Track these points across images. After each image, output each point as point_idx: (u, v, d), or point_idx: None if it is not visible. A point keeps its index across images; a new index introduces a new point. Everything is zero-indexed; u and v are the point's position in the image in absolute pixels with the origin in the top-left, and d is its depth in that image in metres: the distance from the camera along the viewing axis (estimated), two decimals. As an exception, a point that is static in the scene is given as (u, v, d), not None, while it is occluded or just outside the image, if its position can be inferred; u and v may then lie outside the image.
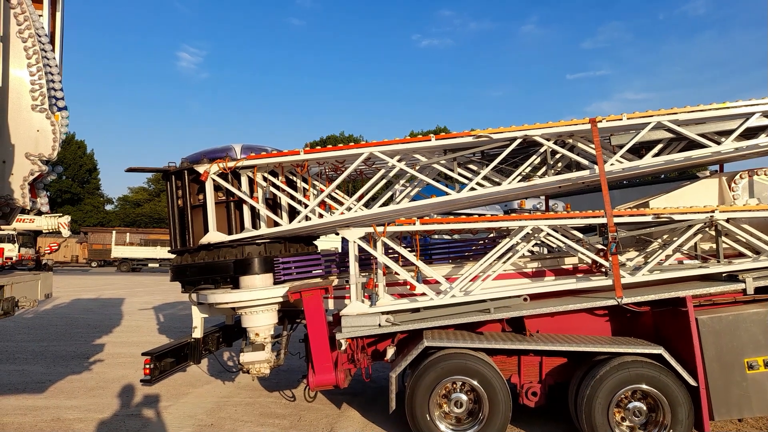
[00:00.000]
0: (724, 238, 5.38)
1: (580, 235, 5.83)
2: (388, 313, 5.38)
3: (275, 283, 5.75)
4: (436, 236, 10.90)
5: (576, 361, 5.43)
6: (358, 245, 5.50)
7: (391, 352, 5.59)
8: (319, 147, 5.97)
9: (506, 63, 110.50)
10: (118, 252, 43.44)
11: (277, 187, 5.96)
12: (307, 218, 5.81)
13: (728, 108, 5.29)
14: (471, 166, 6.33)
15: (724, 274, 5.26)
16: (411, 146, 5.69)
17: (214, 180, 5.84)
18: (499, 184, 5.84)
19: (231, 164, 5.77)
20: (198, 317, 6.23)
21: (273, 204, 6.15)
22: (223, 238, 5.80)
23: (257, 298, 5.62)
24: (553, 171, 5.98)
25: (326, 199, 6.24)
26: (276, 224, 5.92)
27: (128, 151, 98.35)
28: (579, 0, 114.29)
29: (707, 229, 5.35)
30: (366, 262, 6.27)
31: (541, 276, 6.07)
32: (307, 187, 6.29)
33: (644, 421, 5.04)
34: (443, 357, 5.23)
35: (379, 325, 5.31)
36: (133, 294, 21.24)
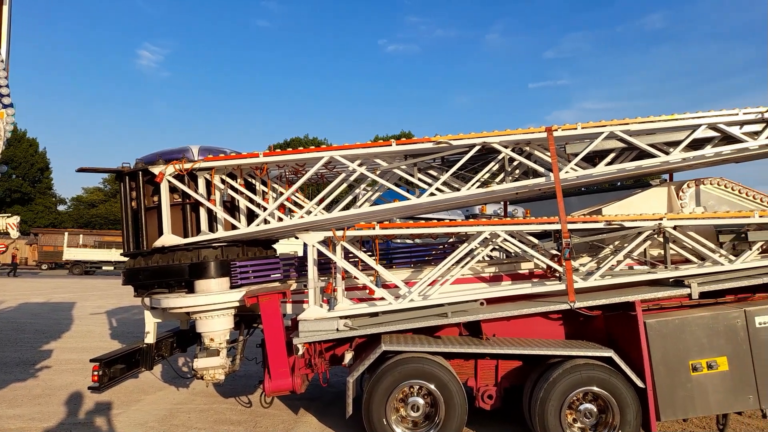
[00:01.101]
0: (671, 245, 5.58)
1: (536, 241, 5.95)
2: (346, 317, 5.36)
3: (232, 287, 5.65)
4: (398, 240, 10.95)
5: (530, 364, 5.53)
6: (318, 249, 5.47)
7: (349, 356, 5.57)
8: (281, 149, 5.92)
9: (471, 70, 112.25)
10: (70, 254, 41.82)
11: (236, 190, 5.86)
12: (266, 221, 5.74)
13: (676, 120, 5.51)
14: (431, 172, 6.39)
15: (671, 280, 5.46)
16: (372, 151, 5.69)
17: (169, 182, 5.71)
18: (458, 189, 5.91)
19: (187, 166, 5.66)
20: (151, 322, 6.07)
21: (231, 207, 6.06)
22: (178, 240, 5.67)
23: (212, 303, 5.51)
24: (510, 178, 6.08)
25: (286, 203, 6.17)
26: (234, 227, 5.82)
27: (85, 151, 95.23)
28: (542, 11, 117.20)
29: (656, 235, 5.54)
30: (326, 266, 6.23)
31: (498, 280, 6.16)
32: (266, 190, 6.21)
33: (595, 422, 5.18)
34: (401, 361, 5.25)
35: (337, 329, 5.28)
36: (85, 298, 20.50)
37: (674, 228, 5.41)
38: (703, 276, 5.37)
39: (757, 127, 5.57)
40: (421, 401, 5.25)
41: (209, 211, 5.80)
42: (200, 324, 5.69)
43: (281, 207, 6.05)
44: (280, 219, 5.83)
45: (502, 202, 8.77)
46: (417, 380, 5.22)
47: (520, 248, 5.59)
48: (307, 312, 5.33)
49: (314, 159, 5.71)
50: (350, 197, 6.17)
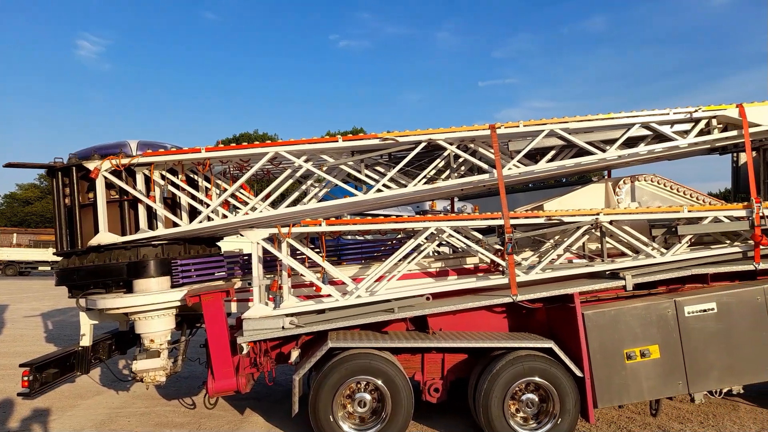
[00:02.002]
0: (608, 239, 5.81)
1: (480, 236, 6.06)
2: (292, 315, 5.29)
3: (173, 286, 5.49)
4: (348, 237, 10.93)
5: (475, 356, 5.64)
6: (264, 247, 5.38)
7: (295, 354, 5.51)
8: (229, 145, 5.77)
9: (422, 67, 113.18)
10: (2, 254, 39.55)
11: (177, 186, 5.69)
12: (209, 218, 5.60)
13: (612, 119, 5.72)
14: (379, 168, 6.39)
15: (607, 272, 5.69)
16: (318, 147, 5.65)
17: (106, 177, 5.48)
18: (405, 186, 5.95)
19: (125, 161, 5.44)
20: (87, 324, 5.81)
21: (172, 203, 5.87)
22: (116, 239, 5.45)
23: (152, 303, 5.33)
24: (456, 174, 6.17)
25: (230, 199, 6.04)
26: (175, 225, 5.65)
27: (20, 146, 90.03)
28: (491, 11, 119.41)
29: (593, 230, 5.75)
30: (272, 263, 6.14)
31: (444, 275, 6.25)
32: (209, 186, 6.06)
33: (536, 411, 5.34)
34: (348, 357, 5.24)
35: (283, 327, 5.21)
36: (18, 300, 19.43)
37: (610, 223, 5.63)
38: (636, 268, 5.61)
39: (687, 126, 5.86)
40: (368, 397, 5.26)
41: (149, 208, 5.61)
42: (139, 325, 5.49)
43: (225, 203, 5.92)
44: (225, 216, 5.70)
45: (450, 198, 8.88)
46: (364, 376, 5.23)
47: (465, 244, 5.69)
48: (251, 310, 5.24)
49: (259, 154, 5.61)
50: (296, 193, 6.09)
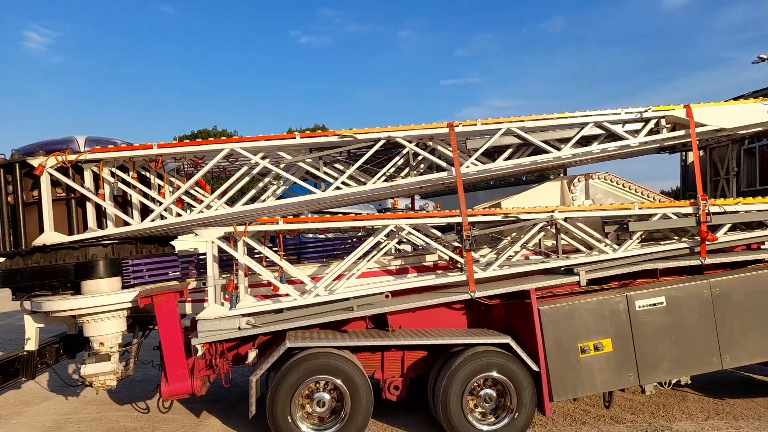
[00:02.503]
0: (562, 236, 5.92)
1: (439, 234, 6.09)
2: (249, 315, 5.20)
3: (124, 287, 5.30)
4: (310, 235, 10.83)
5: (435, 353, 5.67)
6: (220, 246, 5.26)
7: (252, 355, 5.42)
8: (187, 141, 5.62)
9: (385, 65, 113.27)
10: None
11: (128, 184, 5.50)
12: (162, 217, 5.43)
13: (567, 118, 5.84)
14: (338, 166, 6.34)
15: (562, 268, 5.80)
16: (275, 143, 5.55)
17: (51, 175, 5.25)
18: (364, 183, 5.92)
19: (72, 157, 5.22)
20: (32, 327, 5.56)
21: (123, 202, 5.66)
22: (62, 238, 5.23)
23: (101, 305, 5.13)
24: (415, 172, 6.18)
25: (185, 197, 5.88)
26: (126, 224, 5.46)
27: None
28: (452, 10, 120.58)
29: (549, 227, 5.85)
30: (230, 263, 6.00)
31: (404, 273, 6.25)
32: (162, 184, 5.88)
33: (494, 406, 5.40)
34: (306, 357, 5.18)
35: (239, 328, 5.11)
36: (-38, 303, 18.47)
37: (565, 220, 5.75)
38: (590, 264, 5.75)
39: (638, 126, 6.03)
40: (327, 396, 5.22)
41: (98, 207, 5.40)
42: (88, 327, 5.29)
43: (179, 201, 5.76)
44: (179, 214, 5.55)
45: (410, 196, 8.90)
46: (323, 376, 5.18)
47: (424, 241, 5.70)
48: (206, 311, 5.12)
49: (213, 151, 5.48)
50: (253, 191, 5.98)
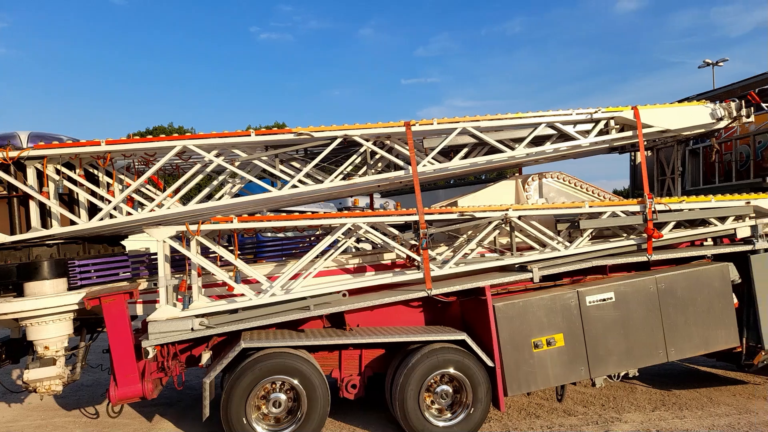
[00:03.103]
0: (517, 233, 6.04)
1: (396, 232, 6.12)
2: (202, 315, 5.09)
3: (70, 288, 5.11)
4: (269, 234, 10.70)
5: (392, 351, 5.69)
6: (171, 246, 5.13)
7: (206, 356, 5.32)
8: (137, 138, 5.44)
9: (346, 64, 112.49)
10: None
11: (74, 181, 5.30)
12: (111, 216, 5.26)
13: (520, 118, 5.95)
14: (295, 164, 6.28)
15: (516, 265, 5.91)
16: (229, 141, 5.45)
17: (-9, 172, 5.01)
18: (321, 182, 5.88)
19: (13, 154, 5.00)
20: (-30, 332, 5.29)
21: (69, 200, 5.46)
22: (4, 238, 5.00)
23: (45, 307, 4.93)
24: (373, 171, 6.18)
25: (135, 196, 5.71)
26: (73, 223, 5.26)
27: None
28: (413, 10, 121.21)
29: (503, 225, 5.96)
30: (184, 263, 5.87)
31: (362, 271, 6.24)
32: (111, 181, 5.69)
33: (450, 402, 5.47)
34: (262, 357, 5.12)
35: (192, 329, 5.00)
36: None
37: (519, 218, 5.86)
38: (543, 261, 5.88)
39: (588, 127, 6.21)
40: (283, 397, 5.17)
41: (42, 205, 5.18)
42: (32, 331, 5.07)
43: (129, 200, 5.60)
44: (129, 213, 5.38)
45: (369, 195, 8.91)
46: (279, 376, 5.13)
47: (382, 239, 5.71)
48: (157, 312, 4.99)
49: (165, 148, 5.34)
50: (207, 189, 5.85)
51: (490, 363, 5.40)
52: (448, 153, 6.24)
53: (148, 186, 6.03)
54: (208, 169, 5.73)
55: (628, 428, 5.63)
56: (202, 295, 5.29)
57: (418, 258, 5.59)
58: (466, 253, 5.89)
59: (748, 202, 6.25)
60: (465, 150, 6.09)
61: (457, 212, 5.73)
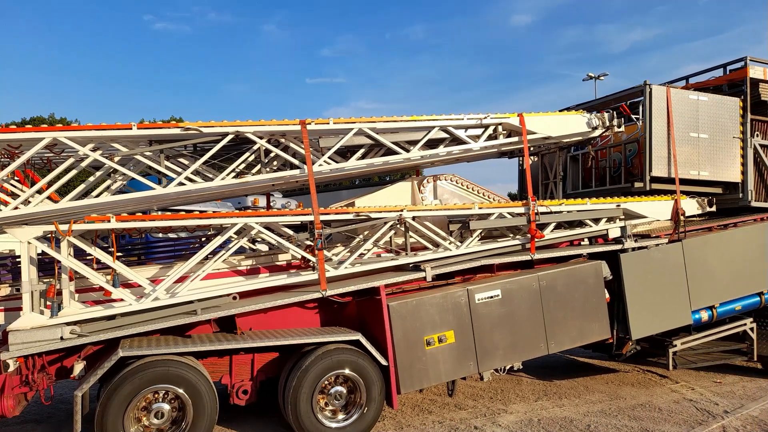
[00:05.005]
0: (411, 234, 6.16)
1: (291, 232, 6.01)
2: (74, 323, 4.67)
3: None
4: (159, 234, 10.09)
5: (286, 354, 5.57)
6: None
7: (79, 368, 4.88)
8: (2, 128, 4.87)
9: (249, 59, 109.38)
10: None
11: None
12: (-35, 214, 4.67)
13: (415, 121, 6.08)
14: (183, 161, 5.97)
15: (410, 265, 6.03)
16: (107, 134, 5.06)
17: None
18: (211, 179, 5.63)
19: None
20: None
21: None
22: None
23: None
24: (268, 169, 6.01)
25: (-4, 191, 5.12)
26: None
27: None
28: (317, 8, 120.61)
29: (399, 225, 6.05)
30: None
31: (255, 273, 6.06)
32: (-35, 175, 5.06)
33: (344, 403, 5.45)
34: (143, 366, 4.79)
35: (62, 338, 4.57)
36: None
37: (413, 218, 5.98)
38: (436, 261, 6.04)
39: (478, 131, 6.47)
40: (166, 407, 4.87)
41: None
42: None
43: (-12, 196, 5.00)
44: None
45: (265, 194, 8.68)
46: (162, 385, 4.82)
47: (276, 240, 5.57)
48: (19, 320, 4.51)
49: (31, 140, 4.84)
50: (83, 186, 5.38)
51: (384, 362, 5.45)
52: (346, 153, 6.23)
53: (12, 182, 5.43)
54: (84, 164, 5.27)
55: (513, 419, 5.93)
56: (74, 301, 4.85)
57: (313, 259, 5.52)
58: (362, 254, 5.90)
59: (619, 205, 6.84)
60: (362, 151, 6.11)
61: (353, 212, 5.74)
